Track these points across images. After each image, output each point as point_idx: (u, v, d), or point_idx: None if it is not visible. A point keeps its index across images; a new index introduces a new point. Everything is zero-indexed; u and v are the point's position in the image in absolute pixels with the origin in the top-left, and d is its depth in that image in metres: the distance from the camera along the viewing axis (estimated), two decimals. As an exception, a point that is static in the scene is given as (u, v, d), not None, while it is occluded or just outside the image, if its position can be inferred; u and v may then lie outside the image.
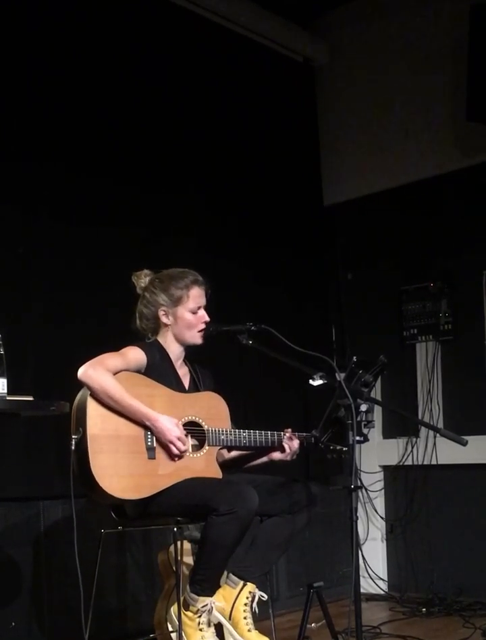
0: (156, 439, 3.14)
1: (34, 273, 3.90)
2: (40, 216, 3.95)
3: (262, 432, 3.35)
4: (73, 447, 3.01)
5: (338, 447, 3.14)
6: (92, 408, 3.07)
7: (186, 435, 3.21)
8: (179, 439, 3.13)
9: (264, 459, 3.46)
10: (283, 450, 3.37)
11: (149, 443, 3.14)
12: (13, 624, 3.67)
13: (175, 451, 3.13)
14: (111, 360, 3.14)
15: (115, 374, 3.11)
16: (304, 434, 3.40)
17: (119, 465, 3.06)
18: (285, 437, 3.36)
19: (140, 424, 3.13)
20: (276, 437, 3.37)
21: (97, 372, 3.07)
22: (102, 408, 3.09)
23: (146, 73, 4.50)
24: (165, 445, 3.14)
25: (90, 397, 3.08)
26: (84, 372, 3.08)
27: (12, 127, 3.89)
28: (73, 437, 3.03)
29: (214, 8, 4.86)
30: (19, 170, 3.89)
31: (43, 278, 3.93)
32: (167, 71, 4.63)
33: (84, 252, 4.07)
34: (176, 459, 3.15)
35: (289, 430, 3.39)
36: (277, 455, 3.40)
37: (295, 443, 3.37)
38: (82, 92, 4.17)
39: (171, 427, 3.13)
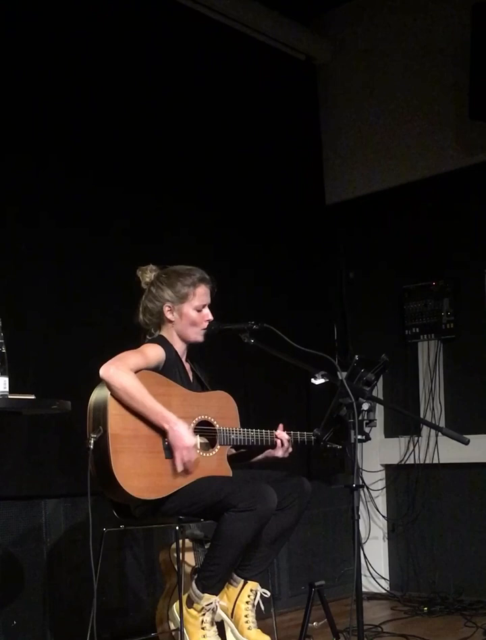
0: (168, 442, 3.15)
1: (36, 273, 3.89)
2: (41, 217, 3.95)
3: (269, 431, 3.39)
4: (91, 447, 3.00)
5: (332, 445, 3.15)
6: (113, 407, 3.07)
7: (199, 435, 3.24)
8: (193, 447, 3.13)
9: (261, 457, 3.48)
10: (275, 446, 3.39)
11: (166, 443, 3.15)
12: (15, 622, 3.67)
13: (185, 458, 3.12)
14: (132, 358, 3.14)
15: (136, 373, 3.11)
16: (298, 432, 3.42)
17: (140, 465, 3.07)
18: (275, 432, 3.39)
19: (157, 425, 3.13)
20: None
21: (119, 371, 3.06)
22: (123, 407, 3.08)
23: (147, 72, 4.49)
24: (174, 450, 3.13)
25: (110, 396, 3.07)
26: (106, 370, 3.07)
27: (13, 128, 3.88)
28: (92, 435, 3.02)
29: (216, 6, 4.85)
30: (20, 172, 3.88)
31: (44, 278, 3.92)
32: (168, 69, 4.62)
33: (86, 252, 4.07)
34: (182, 466, 3.13)
35: (281, 426, 3.41)
36: (270, 452, 3.43)
37: (284, 437, 3.38)
38: (82, 93, 4.16)
39: (188, 435, 3.12)
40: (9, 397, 2.82)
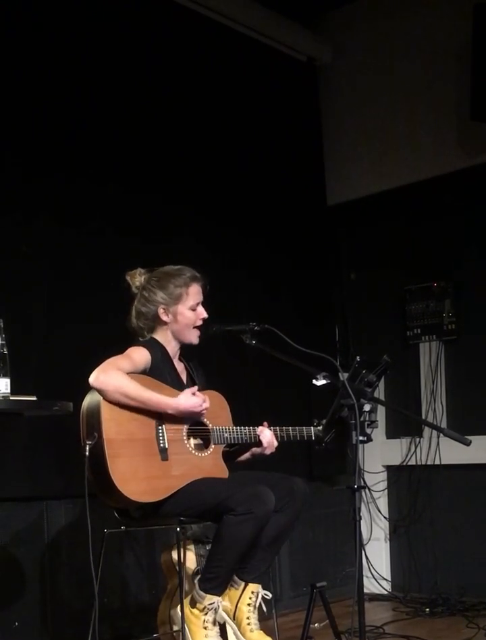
0: (166, 428, 3.16)
1: (37, 275, 3.90)
2: (41, 217, 3.95)
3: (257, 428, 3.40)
4: (87, 453, 3.00)
5: (328, 440, 3.16)
6: (106, 412, 3.06)
7: (192, 436, 3.26)
8: (203, 400, 3.18)
9: (247, 455, 3.48)
10: (260, 444, 3.39)
11: (161, 445, 3.15)
12: (17, 624, 3.67)
13: (205, 412, 3.20)
14: (120, 362, 3.14)
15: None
16: (291, 427, 3.43)
17: (137, 469, 3.07)
18: (257, 429, 3.39)
19: (156, 417, 3.14)
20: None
21: (109, 375, 3.06)
22: (116, 412, 3.08)
23: (148, 73, 4.49)
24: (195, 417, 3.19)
25: (103, 401, 3.07)
26: (96, 378, 3.07)
27: (13, 128, 3.88)
28: (87, 442, 3.01)
29: (217, 8, 4.85)
30: (20, 172, 3.89)
31: (45, 279, 3.93)
32: (169, 70, 4.62)
33: (87, 254, 4.07)
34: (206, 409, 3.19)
35: (266, 423, 3.42)
36: (256, 449, 3.43)
37: (268, 434, 3.38)
38: (82, 92, 4.16)
39: (193, 401, 3.17)
40: (11, 398, 2.82)
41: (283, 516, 3.26)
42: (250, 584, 3.29)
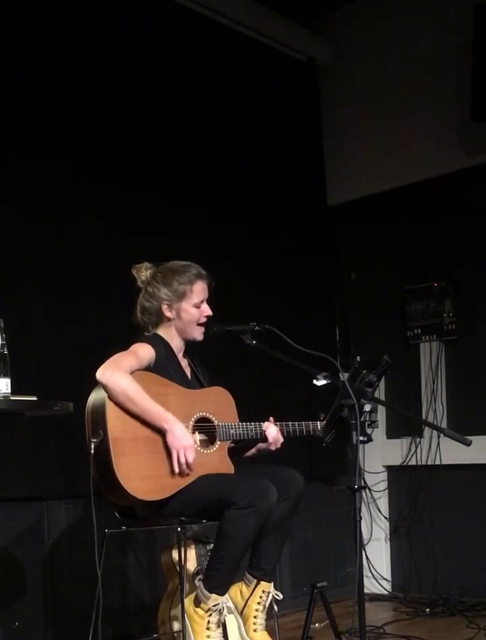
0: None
1: (37, 275, 3.90)
2: (42, 217, 3.95)
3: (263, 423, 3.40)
4: (92, 451, 3.00)
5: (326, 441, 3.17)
6: (111, 410, 3.06)
7: (198, 432, 3.25)
8: (190, 448, 3.11)
9: (253, 451, 3.48)
10: (265, 440, 3.39)
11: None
12: (17, 624, 3.67)
13: (182, 460, 3.10)
14: (126, 360, 3.13)
15: (131, 374, 3.11)
16: (296, 422, 3.44)
17: (142, 467, 3.07)
18: (263, 425, 3.39)
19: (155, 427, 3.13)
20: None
21: (115, 375, 3.06)
22: (121, 410, 3.08)
23: (149, 73, 4.49)
24: (172, 450, 3.12)
25: (108, 399, 3.07)
26: (103, 374, 3.06)
27: (12, 128, 3.88)
28: (92, 440, 3.01)
29: (217, 8, 4.86)
30: (22, 172, 3.89)
31: (46, 279, 3.93)
32: (169, 70, 4.62)
33: (87, 252, 4.07)
34: (179, 467, 3.11)
35: (272, 418, 3.42)
36: (262, 445, 3.43)
37: (273, 430, 3.38)
38: (82, 92, 4.17)
39: (186, 435, 3.12)
40: (11, 398, 2.82)
41: (284, 504, 3.26)
42: (262, 583, 3.29)
